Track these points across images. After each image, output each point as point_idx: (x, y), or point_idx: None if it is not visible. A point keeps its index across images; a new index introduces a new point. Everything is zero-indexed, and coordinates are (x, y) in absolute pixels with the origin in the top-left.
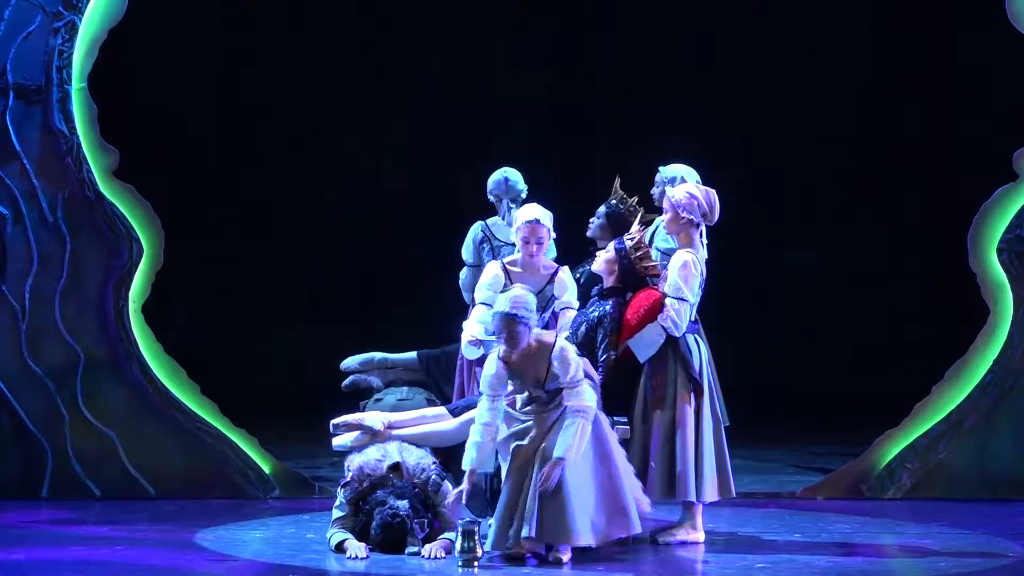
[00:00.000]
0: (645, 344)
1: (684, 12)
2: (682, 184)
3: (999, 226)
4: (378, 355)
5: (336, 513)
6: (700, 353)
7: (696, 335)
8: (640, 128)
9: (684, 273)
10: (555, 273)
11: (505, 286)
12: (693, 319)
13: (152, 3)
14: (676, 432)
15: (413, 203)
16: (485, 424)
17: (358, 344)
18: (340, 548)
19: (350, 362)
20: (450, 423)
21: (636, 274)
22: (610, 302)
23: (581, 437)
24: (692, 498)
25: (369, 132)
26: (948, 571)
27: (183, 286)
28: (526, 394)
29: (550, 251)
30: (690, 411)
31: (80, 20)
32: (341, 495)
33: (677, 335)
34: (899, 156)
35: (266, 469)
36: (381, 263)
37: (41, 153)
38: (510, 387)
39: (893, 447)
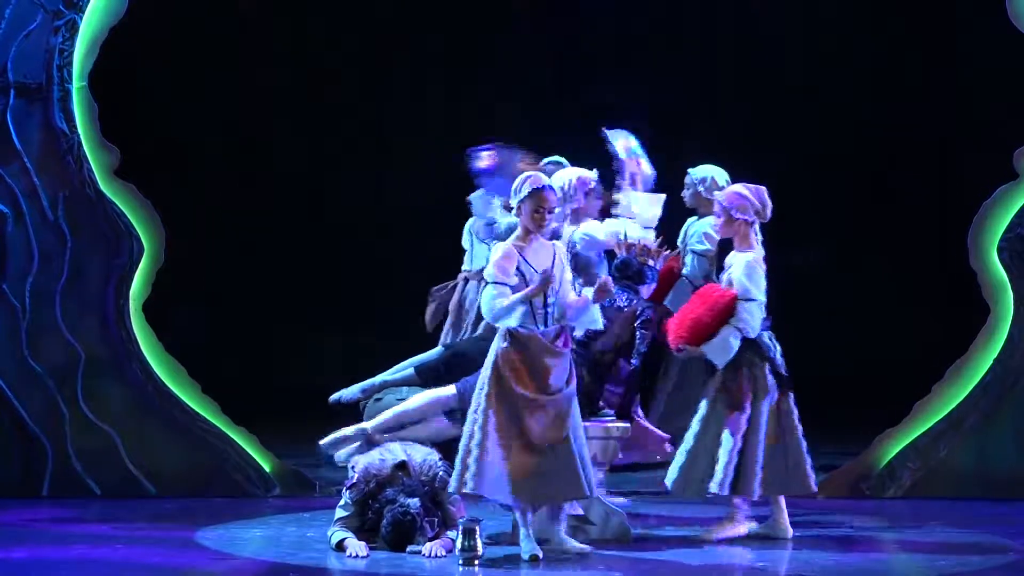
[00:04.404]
0: (721, 349)
1: (685, 13)
2: (731, 185)
3: (999, 225)
4: (378, 379)
5: (340, 512)
6: (777, 350)
7: (769, 332)
8: (639, 128)
9: (749, 272)
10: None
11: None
12: (764, 316)
13: (153, 1)
14: (750, 429)
15: (415, 202)
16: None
17: (358, 341)
18: (340, 547)
19: (351, 393)
20: (449, 389)
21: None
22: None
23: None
24: (755, 496)
25: (370, 131)
26: (948, 570)
27: (184, 285)
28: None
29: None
30: (767, 408)
31: (81, 19)
32: (347, 496)
33: (752, 336)
34: (899, 155)
35: (266, 468)
36: (383, 262)
37: (42, 152)
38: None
39: (894, 446)
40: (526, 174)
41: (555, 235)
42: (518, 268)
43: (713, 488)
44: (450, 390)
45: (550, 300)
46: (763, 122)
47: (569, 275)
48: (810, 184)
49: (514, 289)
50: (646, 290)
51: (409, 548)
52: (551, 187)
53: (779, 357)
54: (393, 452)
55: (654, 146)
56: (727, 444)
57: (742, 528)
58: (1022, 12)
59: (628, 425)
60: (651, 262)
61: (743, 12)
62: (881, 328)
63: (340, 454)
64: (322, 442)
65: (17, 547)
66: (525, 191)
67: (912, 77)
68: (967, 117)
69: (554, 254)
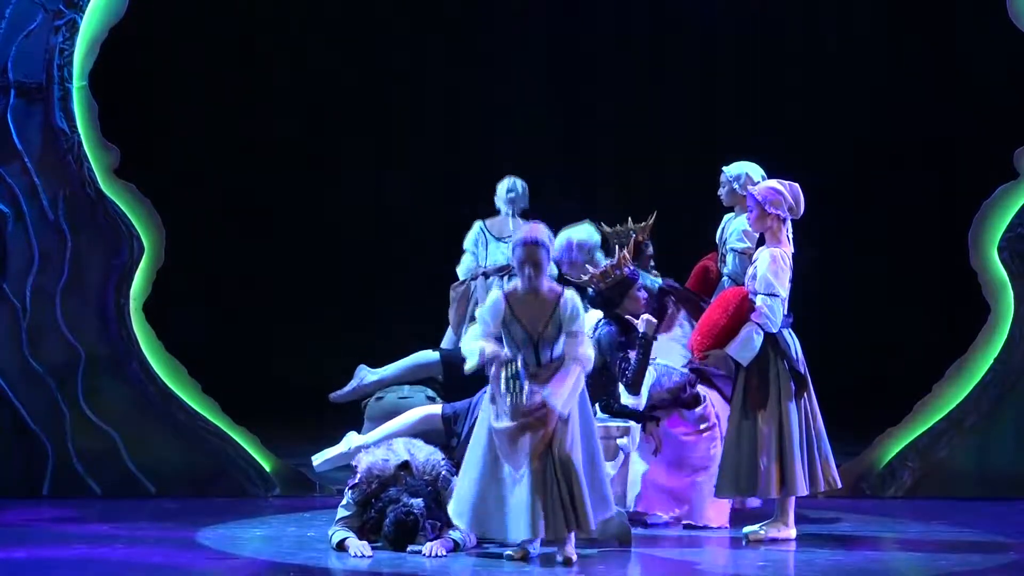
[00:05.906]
0: (744, 346)
1: (684, 13)
2: (765, 181)
3: (1000, 225)
4: (375, 376)
5: (341, 512)
6: (796, 346)
7: (789, 329)
8: (640, 129)
9: (773, 268)
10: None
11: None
12: (786, 313)
13: (153, 1)
14: (783, 428)
15: (414, 203)
16: (477, 337)
17: (358, 341)
18: (341, 546)
19: (348, 392)
20: (436, 409)
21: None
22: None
23: (575, 386)
24: (803, 492)
25: (370, 132)
26: (948, 569)
27: (184, 285)
28: (518, 360)
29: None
30: (793, 406)
31: (81, 18)
32: (349, 496)
33: (773, 331)
34: (900, 155)
35: (267, 467)
36: (383, 262)
37: (42, 151)
38: (504, 350)
39: (894, 445)
40: (527, 226)
41: None
42: (504, 320)
43: (761, 492)
44: (437, 410)
45: (542, 359)
46: (762, 123)
47: (575, 327)
48: (810, 183)
49: (496, 338)
50: (637, 296)
51: (410, 547)
52: (541, 242)
53: (796, 354)
54: (396, 452)
55: (652, 146)
56: (764, 445)
57: (791, 532)
58: (1022, 12)
59: (629, 425)
60: (618, 272)
61: (743, 12)
62: (881, 328)
63: (318, 463)
64: (316, 464)
65: (17, 547)
66: (513, 241)
67: (912, 77)
68: (967, 117)
69: (553, 309)
